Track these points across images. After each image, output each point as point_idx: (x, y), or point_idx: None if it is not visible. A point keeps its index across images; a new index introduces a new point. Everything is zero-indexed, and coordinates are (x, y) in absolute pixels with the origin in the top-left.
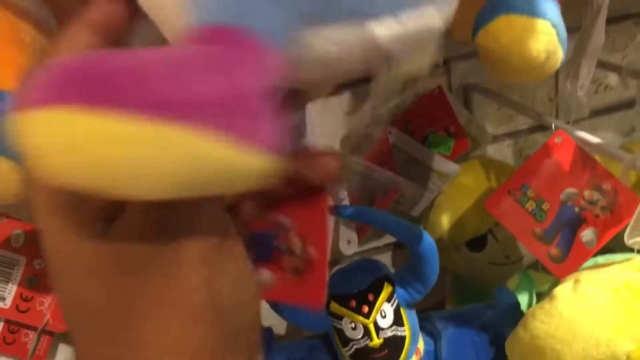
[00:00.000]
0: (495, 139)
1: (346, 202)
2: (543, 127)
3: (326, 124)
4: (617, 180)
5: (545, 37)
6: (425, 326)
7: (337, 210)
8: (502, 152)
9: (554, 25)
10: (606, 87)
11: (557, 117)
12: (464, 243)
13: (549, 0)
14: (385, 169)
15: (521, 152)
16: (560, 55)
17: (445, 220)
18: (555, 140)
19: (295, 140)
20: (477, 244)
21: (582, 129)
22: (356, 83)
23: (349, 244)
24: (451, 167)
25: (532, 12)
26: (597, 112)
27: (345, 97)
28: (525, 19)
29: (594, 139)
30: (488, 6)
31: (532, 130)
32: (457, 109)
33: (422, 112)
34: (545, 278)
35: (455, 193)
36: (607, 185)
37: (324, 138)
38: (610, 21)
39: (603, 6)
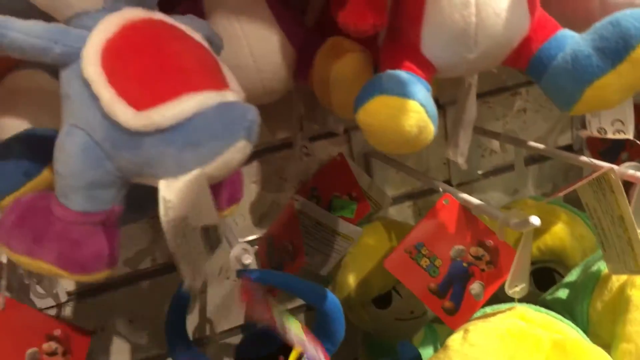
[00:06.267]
0: (396, 200)
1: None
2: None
3: None
4: (497, 237)
5: (415, 115)
6: None
7: (244, 273)
8: (403, 212)
9: (422, 105)
10: (491, 151)
11: (450, 178)
12: (371, 301)
13: (418, 83)
14: (292, 234)
15: (420, 212)
16: (431, 128)
17: (351, 280)
18: (443, 202)
19: None
20: (382, 301)
21: (473, 190)
22: (264, 152)
23: None
24: (354, 229)
25: (403, 93)
26: (485, 174)
27: (253, 166)
28: (396, 99)
29: (474, 200)
30: (365, 88)
31: (428, 191)
32: (359, 175)
33: (326, 179)
34: (448, 330)
35: (360, 253)
36: (489, 242)
37: None
38: (489, 93)
39: (473, 83)
